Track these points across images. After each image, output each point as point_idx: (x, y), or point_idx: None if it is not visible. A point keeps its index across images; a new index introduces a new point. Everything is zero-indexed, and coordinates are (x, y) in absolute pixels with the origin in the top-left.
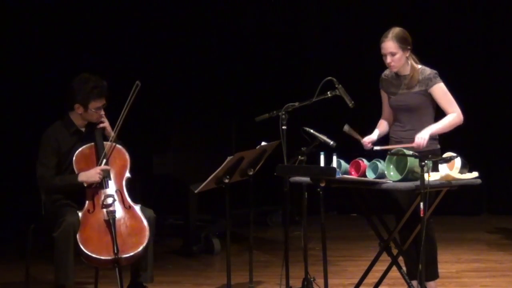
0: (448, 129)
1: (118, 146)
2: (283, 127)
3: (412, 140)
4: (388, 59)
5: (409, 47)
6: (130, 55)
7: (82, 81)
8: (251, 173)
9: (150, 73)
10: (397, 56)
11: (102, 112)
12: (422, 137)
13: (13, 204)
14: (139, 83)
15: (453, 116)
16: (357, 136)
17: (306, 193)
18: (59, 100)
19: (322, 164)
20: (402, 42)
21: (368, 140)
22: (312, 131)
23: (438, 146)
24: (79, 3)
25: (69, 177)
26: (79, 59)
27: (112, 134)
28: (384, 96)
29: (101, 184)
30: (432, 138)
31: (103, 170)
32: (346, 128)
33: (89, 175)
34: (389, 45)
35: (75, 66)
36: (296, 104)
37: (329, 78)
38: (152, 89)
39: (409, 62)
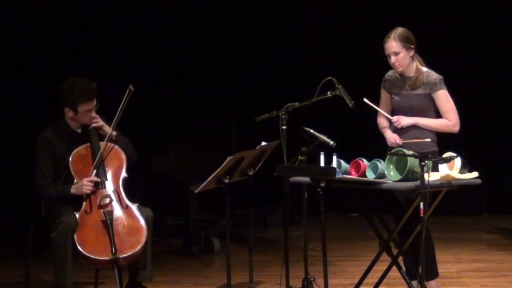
0: (435, 130)
1: (115, 146)
2: (283, 127)
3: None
4: (392, 59)
5: (412, 46)
6: (130, 55)
7: (69, 85)
8: (251, 173)
9: (150, 73)
10: (401, 55)
11: (93, 114)
12: (405, 120)
13: (13, 204)
14: (131, 88)
15: (447, 122)
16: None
17: (306, 193)
18: (55, 102)
19: (322, 164)
20: (405, 41)
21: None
22: (312, 131)
23: (436, 149)
24: (76, 4)
25: (63, 188)
26: (79, 59)
27: (109, 133)
28: (383, 96)
29: (98, 185)
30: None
31: (91, 181)
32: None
33: (78, 188)
34: (392, 45)
35: (76, 67)
36: (296, 104)
37: (329, 78)
38: (152, 89)
39: (414, 63)
